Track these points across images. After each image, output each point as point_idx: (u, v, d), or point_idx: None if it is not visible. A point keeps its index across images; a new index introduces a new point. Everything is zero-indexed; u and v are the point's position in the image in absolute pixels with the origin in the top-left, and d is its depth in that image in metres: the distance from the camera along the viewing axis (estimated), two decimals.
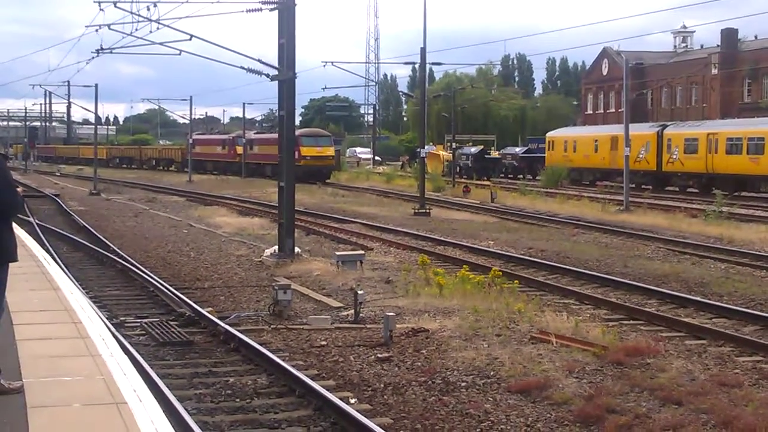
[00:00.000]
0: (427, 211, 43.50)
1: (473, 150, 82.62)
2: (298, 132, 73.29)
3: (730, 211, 40.48)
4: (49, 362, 8.78)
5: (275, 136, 76.78)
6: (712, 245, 30.62)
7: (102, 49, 41.56)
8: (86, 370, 8.51)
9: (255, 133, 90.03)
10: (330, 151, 77.15)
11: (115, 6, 31.52)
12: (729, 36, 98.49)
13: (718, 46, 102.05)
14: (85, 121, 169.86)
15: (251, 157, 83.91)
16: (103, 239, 30.98)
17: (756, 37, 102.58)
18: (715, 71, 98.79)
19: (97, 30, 36.69)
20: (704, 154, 57.81)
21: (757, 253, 28.55)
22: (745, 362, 14.68)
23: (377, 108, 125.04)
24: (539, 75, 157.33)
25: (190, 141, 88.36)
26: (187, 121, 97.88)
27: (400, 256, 28.06)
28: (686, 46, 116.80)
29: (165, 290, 20.56)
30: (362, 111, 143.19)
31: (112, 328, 14.43)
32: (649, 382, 13.17)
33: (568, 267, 25.11)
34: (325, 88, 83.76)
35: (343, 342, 16.14)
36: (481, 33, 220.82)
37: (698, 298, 20.35)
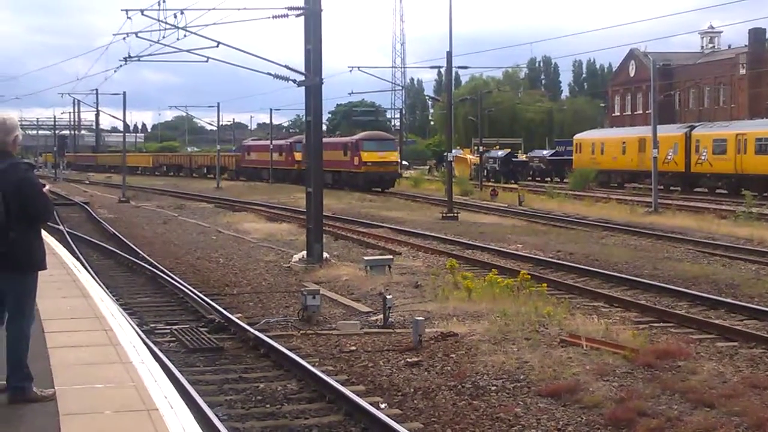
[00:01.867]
0: (455, 214, 43.45)
1: (500, 153, 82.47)
2: (358, 135, 72.38)
3: (760, 212, 40.23)
4: (80, 370, 8.82)
5: (334, 140, 74.59)
6: (742, 246, 30.45)
7: (129, 56, 41.74)
8: (117, 377, 8.55)
9: None
10: (394, 156, 70.00)
11: (143, 14, 31.70)
12: (756, 36, 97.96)
13: (745, 46, 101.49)
14: (114, 129, 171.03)
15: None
16: (133, 246, 31.12)
17: None
18: (743, 71, 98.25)
19: (124, 38, 36.90)
20: (733, 155, 57.49)
21: None
22: None
23: (404, 112, 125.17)
24: (566, 77, 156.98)
25: (245, 147, 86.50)
26: (215, 128, 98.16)
27: (428, 260, 28.04)
28: (713, 46, 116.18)
29: (194, 297, 20.62)
30: (389, 116, 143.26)
31: (143, 335, 14.49)
32: (680, 384, 13.11)
33: (597, 270, 25.02)
34: (352, 93, 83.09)
35: (373, 347, 16.14)
36: (506, 36, 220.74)
37: (729, 300, 20.23)
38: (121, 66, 46.72)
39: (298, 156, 77.03)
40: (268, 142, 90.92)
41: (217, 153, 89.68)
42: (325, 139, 77.03)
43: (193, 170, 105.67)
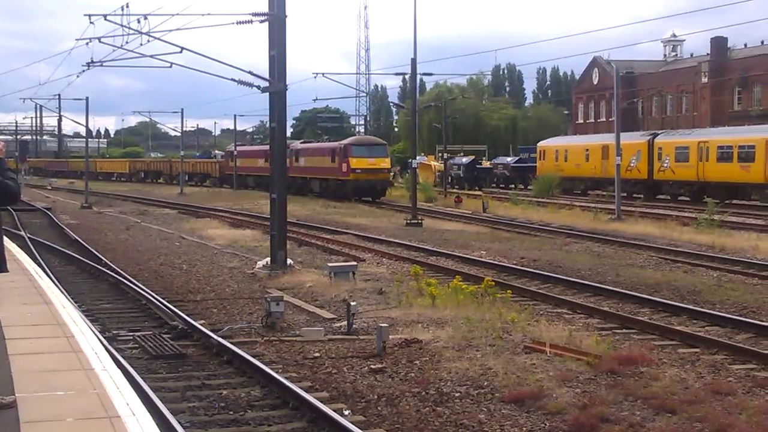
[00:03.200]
0: (419, 221, 43.49)
1: (465, 160, 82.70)
2: (347, 140, 66.79)
3: (722, 219, 40.52)
4: (41, 377, 8.74)
5: (321, 146, 70.34)
6: (704, 253, 30.67)
7: (92, 62, 41.49)
8: (79, 384, 8.48)
9: (302, 143, 77.08)
10: (385, 162, 64.21)
11: (105, 19, 31.49)
12: (718, 44, 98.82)
13: (707, 54, 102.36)
14: (76, 134, 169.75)
15: (295, 170, 69.44)
16: (95, 252, 30.93)
17: (745, 45, 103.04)
18: (705, 80, 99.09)
19: (87, 43, 36.63)
20: (695, 163, 57.97)
21: (749, 260, 28.59)
22: (739, 370, 14.69)
23: (368, 119, 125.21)
24: (529, 84, 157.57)
25: (234, 153, 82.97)
26: (179, 134, 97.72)
27: (392, 266, 28.06)
28: (676, 54, 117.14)
29: (157, 303, 20.53)
30: (353, 122, 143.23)
31: (105, 342, 14.39)
32: (643, 390, 13.17)
33: (560, 276, 25.11)
34: (316, 99, 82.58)
35: (337, 353, 16.12)
36: (470, 42, 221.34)
37: (691, 307, 20.35)
38: (84, 71, 46.39)
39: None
40: (257, 147, 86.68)
41: (180, 159, 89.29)
42: (310, 145, 73.28)
43: (173, 177, 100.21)
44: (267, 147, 77.48)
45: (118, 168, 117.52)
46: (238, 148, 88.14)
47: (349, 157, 62.09)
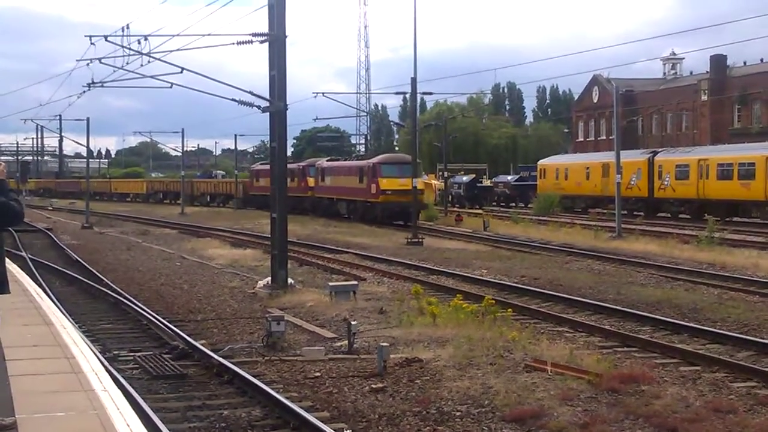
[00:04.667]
0: (420, 240, 43.49)
1: (465, 179, 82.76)
2: (376, 158, 60.30)
3: (722, 237, 40.50)
4: (42, 398, 8.75)
5: (348, 164, 64.32)
6: (704, 271, 30.65)
7: (93, 82, 41.62)
8: (79, 405, 8.48)
9: (327, 161, 70.98)
10: (418, 182, 54.58)
11: (106, 40, 31.55)
12: (718, 62, 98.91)
13: (707, 72, 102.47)
14: (77, 155, 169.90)
15: (321, 190, 67.15)
16: (96, 273, 30.94)
17: (745, 63, 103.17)
18: (704, 97, 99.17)
19: (88, 64, 36.72)
20: (695, 180, 58.00)
21: (750, 278, 28.58)
22: (740, 388, 14.68)
23: (368, 138, 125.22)
24: (529, 103, 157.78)
25: (254, 171, 78.92)
26: (179, 153, 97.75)
27: (393, 286, 28.04)
28: (675, 72, 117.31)
29: (158, 323, 20.53)
30: (353, 141, 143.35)
31: (106, 363, 14.37)
32: (644, 409, 13.16)
33: (561, 294, 25.10)
34: (317, 119, 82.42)
35: (337, 373, 16.10)
36: (470, 60, 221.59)
37: (692, 324, 20.33)
38: (84, 92, 46.65)
39: (311, 182, 69.40)
40: None
41: (182, 179, 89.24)
42: (337, 163, 68.09)
43: (195, 198, 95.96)
44: (295, 165, 72.01)
45: (133, 188, 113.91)
46: (260, 167, 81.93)
47: (379, 177, 56.27)
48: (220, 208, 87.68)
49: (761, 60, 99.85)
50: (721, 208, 54.93)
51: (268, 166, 76.60)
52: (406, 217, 54.02)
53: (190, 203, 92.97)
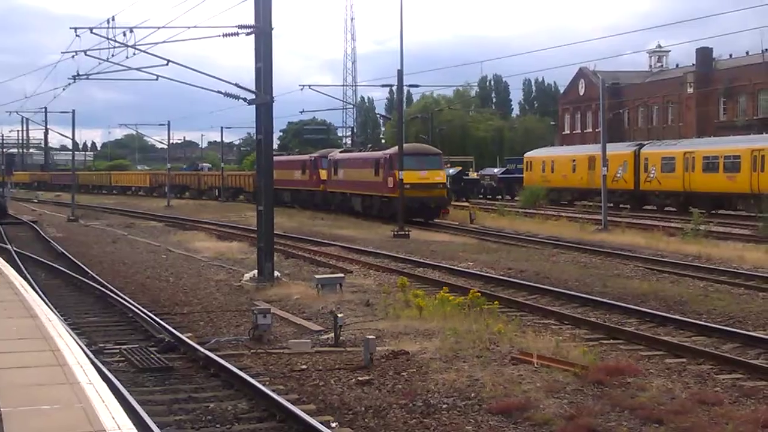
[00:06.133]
0: (407, 233, 43.46)
1: (451, 171, 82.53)
2: (392, 149, 54.41)
3: (708, 229, 40.62)
4: (26, 391, 8.71)
5: (363, 156, 59.27)
6: (690, 263, 30.73)
7: (78, 75, 41.50)
8: (65, 398, 8.45)
9: (341, 152, 67.13)
10: (440, 176, 53.06)
11: (92, 32, 31.42)
12: (704, 55, 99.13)
13: (693, 65, 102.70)
14: (63, 147, 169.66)
15: (333, 184, 62.34)
16: (82, 265, 30.85)
17: (731, 55, 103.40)
18: (690, 90, 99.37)
19: (73, 56, 36.54)
20: (681, 173, 58.14)
21: (735, 270, 28.66)
22: (725, 380, 14.72)
23: (355, 131, 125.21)
24: (516, 95, 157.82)
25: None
26: (165, 146, 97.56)
27: (379, 278, 28.04)
28: (661, 65, 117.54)
29: (144, 316, 20.48)
30: (340, 134, 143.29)
31: (91, 355, 14.35)
32: (630, 401, 13.19)
33: (547, 287, 25.13)
34: (303, 111, 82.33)
35: (324, 365, 16.10)
36: (456, 52, 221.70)
37: (677, 317, 20.38)
38: (69, 84, 46.45)
39: (323, 174, 64.53)
40: (289, 157, 74.58)
41: (167, 171, 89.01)
42: (351, 155, 63.52)
43: (202, 191, 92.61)
44: (306, 157, 69.88)
45: (136, 181, 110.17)
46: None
47: (396, 169, 50.15)
48: (206, 201, 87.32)
49: (747, 53, 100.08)
50: (707, 200, 55.08)
51: (281, 157, 72.34)
52: (428, 213, 52.13)
53: (197, 197, 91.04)
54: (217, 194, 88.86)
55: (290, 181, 69.97)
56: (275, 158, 75.45)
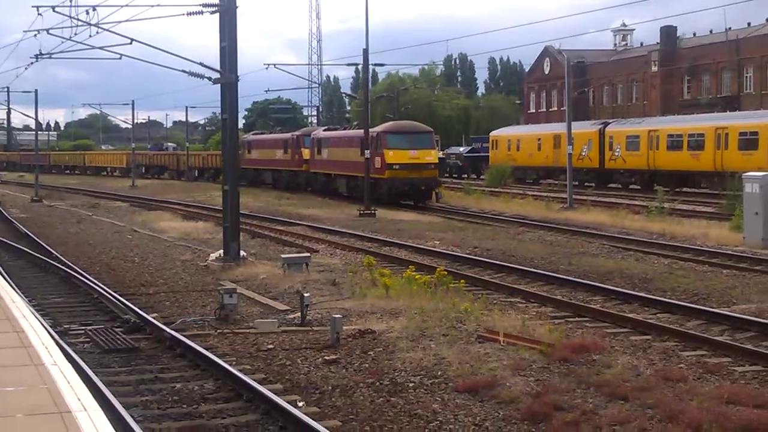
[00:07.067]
0: (373, 212, 43.43)
1: None
2: (381, 127, 52.50)
3: (672, 207, 40.88)
4: None
5: (348, 134, 55.08)
6: (655, 241, 30.92)
7: (41, 54, 41.14)
8: (29, 379, 8.39)
9: (324, 130, 62.48)
10: (431, 155, 49.93)
11: (54, 10, 31.14)
12: (668, 33, 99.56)
13: (657, 43, 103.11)
14: (26, 127, 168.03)
15: (318, 164, 59.34)
16: (46, 246, 30.65)
17: (694, 34, 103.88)
18: (655, 69, 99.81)
19: (35, 35, 36.27)
20: (646, 151, 58.46)
21: (699, 248, 28.87)
22: (689, 357, 14.83)
23: (321, 110, 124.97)
24: (481, 74, 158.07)
25: (245, 142, 70.09)
26: (130, 126, 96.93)
27: (345, 257, 28.04)
28: (626, 44, 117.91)
29: (109, 297, 20.38)
30: (306, 113, 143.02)
31: (56, 336, 14.27)
32: (596, 378, 13.26)
33: (513, 265, 25.20)
34: (268, 90, 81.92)
35: (290, 345, 16.09)
36: (422, 33, 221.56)
37: (642, 294, 20.50)
38: (32, 63, 46.02)
39: (306, 154, 61.47)
40: (273, 135, 72.19)
41: (132, 150, 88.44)
42: (335, 133, 59.28)
43: (182, 172, 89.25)
44: (288, 135, 66.39)
45: (112, 162, 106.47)
46: (252, 137, 74.65)
47: (384, 148, 48.42)
48: (171, 180, 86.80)
49: (710, 31, 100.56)
50: (671, 178, 55.43)
51: (259, 137, 73.43)
52: (418, 196, 49.47)
53: (176, 177, 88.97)
54: (196, 175, 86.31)
55: (272, 160, 67.65)
56: (255, 137, 76.21)
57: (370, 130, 50.33)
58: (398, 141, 48.88)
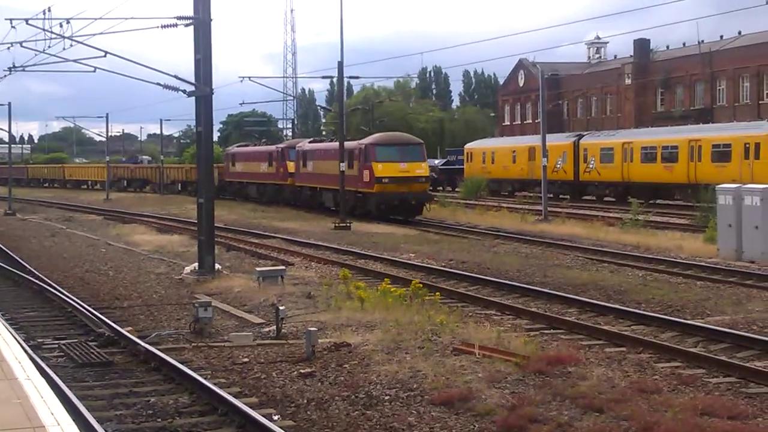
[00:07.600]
0: (348, 224, 43.38)
1: None
2: (369, 139, 50.76)
3: (646, 219, 41.07)
4: None
5: (348, 145, 49.97)
6: (629, 253, 31.03)
7: (14, 66, 41.00)
8: (2, 394, 8.34)
9: (310, 142, 61.12)
10: (421, 168, 48.04)
11: (27, 23, 31.04)
12: (641, 46, 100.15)
13: (631, 56, 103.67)
14: None
15: (303, 178, 57.32)
16: (19, 260, 30.47)
17: (668, 47, 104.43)
18: (628, 81, 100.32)
19: (9, 47, 36.14)
20: (620, 163, 58.72)
21: (673, 260, 28.98)
22: (664, 368, 14.87)
23: (296, 122, 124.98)
24: (456, 87, 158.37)
25: (229, 154, 69.78)
26: (104, 139, 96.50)
27: (321, 270, 28.01)
28: (600, 56, 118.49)
29: (83, 310, 20.27)
30: (281, 126, 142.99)
31: (29, 351, 14.19)
32: (571, 390, 13.28)
33: (488, 278, 25.23)
34: (243, 103, 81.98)
35: (266, 358, 16.05)
36: (397, 46, 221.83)
37: (617, 306, 20.55)
38: (5, 76, 45.87)
39: (291, 167, 59.55)
40: (257, 148, 70.11)
41: (107, 164, 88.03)
42: (321, 145, 57.49)
43: (164, 185, 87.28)
44: (273, 147, 64.73)
45: (93, 175, 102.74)
46: (236, 150, 73.18)
47: (373, 161, 46.89)
48: (146, 194, 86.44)
49: (684, 44, 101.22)
50: (645, 190, 55.70)
51: (244, 149, 71.63)
52: (408, 210, 47.41)
53: (158, 191, 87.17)
54: (179, 189, 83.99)
55: (256, 174, 66.01)
56: (240, 149, 74.09)
57: (358, 142, 50.04)
58: (387, 153, 47.33)
